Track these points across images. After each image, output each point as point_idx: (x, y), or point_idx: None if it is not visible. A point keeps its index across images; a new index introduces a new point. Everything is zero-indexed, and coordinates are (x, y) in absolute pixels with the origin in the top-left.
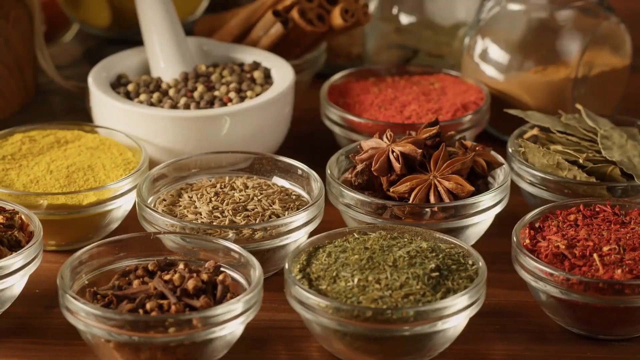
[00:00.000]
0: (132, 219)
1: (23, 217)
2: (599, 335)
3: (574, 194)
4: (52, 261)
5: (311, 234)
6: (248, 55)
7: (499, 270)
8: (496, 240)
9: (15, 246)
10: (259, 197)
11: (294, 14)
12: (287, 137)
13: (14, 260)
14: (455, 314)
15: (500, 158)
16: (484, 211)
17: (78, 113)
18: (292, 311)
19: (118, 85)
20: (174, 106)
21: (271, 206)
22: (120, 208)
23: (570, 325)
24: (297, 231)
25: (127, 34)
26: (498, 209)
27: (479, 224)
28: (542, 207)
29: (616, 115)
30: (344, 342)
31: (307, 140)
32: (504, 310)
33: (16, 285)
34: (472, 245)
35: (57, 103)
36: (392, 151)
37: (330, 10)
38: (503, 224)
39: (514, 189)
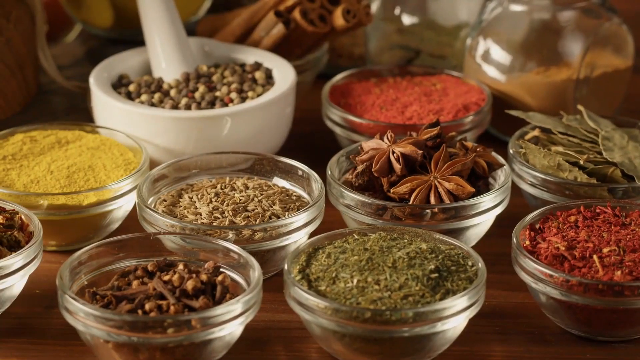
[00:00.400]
0: (132, 219)
1: (23, 217)
2: (598, 336)
3: (575, 195)
4: (53, 261)
5: (312, 235)
6: (250, 55)
7: (500, 272)
8: (497, 241)
9: (15, 246)
10: (260, 198)
11: (296, 14)
12: (289, 138)
13: (14, 261)
14: (454, 315)
15: (501, 159)
16: (485, 212)
17: (79, 113)
18: (292, 312)
19: (119, 85)
20: (175, 106)
21: (271, 207)
22: (121, 208)
23: (570, 327)
24: (297, 232)
25: (130, 34)
26: (498, 210)
27: (480, 225)
28: (543, 209)
29: (618, 117)
30: (343, 343)
31: (309, 140)
32: (504, 312)
33: (16, 285)
34: (473, 247)
35: (59, 103)
36: (393, 152)
37: (332, 11)
38: (504, 225)
39: (515, 190)
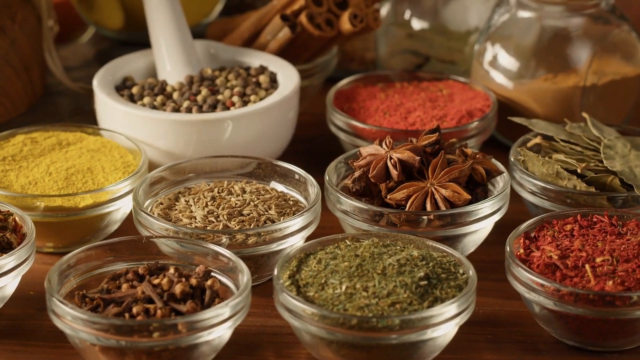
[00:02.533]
0: (131, 222)
1: (17, 218)
2: (590, 347)
3: (575, 204)
4: (49, 263)
5: (308, 240)
6: (255, 59)
7: (496, 280)
8: (495, 249)
9: (7, 248)
10: (256, 202)
11: (302, 18)
12: (295, 142)
13: (5, 262)
14: (443, 323)
15: (500, 166)
16: (482, 219)
17: (85, 115)
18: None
19: (123, 87)
20: (177, 109)
21: (267, 211)
22: (119, 211)
23: (563, 337)
24: (292, 237)
25: (141, 36)
26: (496, 217)
27: (477, 232)
28: (539, 217)
29: (625, 125)
30: (331, 350)
31: (315, 145)
32: (498, 320)
33: (8, 286)
34: (471, 254)
35: (64, 105)
36: (390, 158)
37: (340, 15)
38: (504, 232)
39: (518, 197)
